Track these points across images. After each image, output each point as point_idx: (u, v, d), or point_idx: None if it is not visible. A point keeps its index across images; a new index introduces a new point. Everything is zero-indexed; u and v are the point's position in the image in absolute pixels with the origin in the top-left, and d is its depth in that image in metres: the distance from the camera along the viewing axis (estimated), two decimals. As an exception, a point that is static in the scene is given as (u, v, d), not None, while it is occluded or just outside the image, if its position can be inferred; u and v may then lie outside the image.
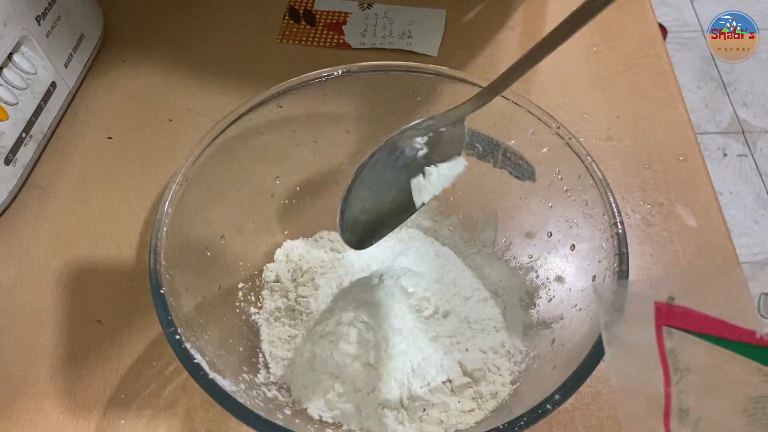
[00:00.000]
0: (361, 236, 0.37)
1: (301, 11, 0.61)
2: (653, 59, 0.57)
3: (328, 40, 0.59)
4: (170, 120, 0.53)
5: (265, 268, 0.42)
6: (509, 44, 0.58)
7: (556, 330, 0.36)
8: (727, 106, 1.46)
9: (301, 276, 0.42)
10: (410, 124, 0.34)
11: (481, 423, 0.34)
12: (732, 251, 0.45)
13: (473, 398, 0.36)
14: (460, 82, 0.39)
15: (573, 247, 0.38)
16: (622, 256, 0.33)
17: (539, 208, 0.40)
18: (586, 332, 0.32)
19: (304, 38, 0.59)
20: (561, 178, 0.38)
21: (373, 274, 0.41)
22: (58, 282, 0.44)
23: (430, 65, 0.40)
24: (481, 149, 0.41)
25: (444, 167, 0.35)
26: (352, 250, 0.43)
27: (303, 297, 0.41)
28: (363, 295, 0.39)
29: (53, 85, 0.50)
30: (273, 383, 0.36)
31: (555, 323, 0.37)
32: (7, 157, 0.46)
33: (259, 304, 0.41)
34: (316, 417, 0.35)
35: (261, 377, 0.36)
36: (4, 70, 0.46)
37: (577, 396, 0.39)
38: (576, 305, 0.36)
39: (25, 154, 0.48)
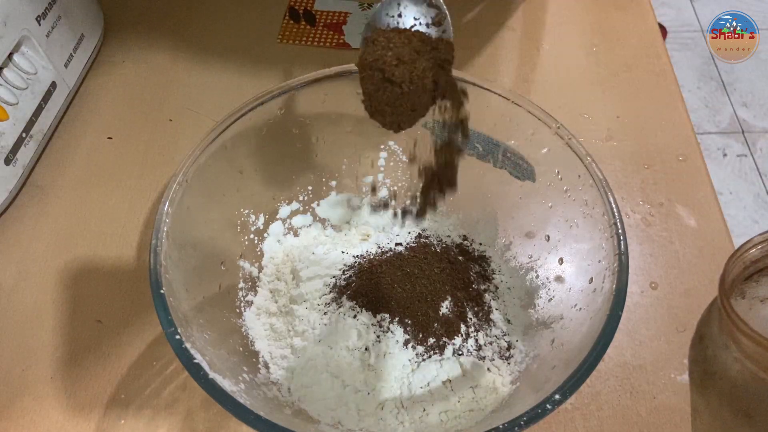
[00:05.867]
0: None
1: (301, 11, 0.61)
2: (653, 59, 0.57)
3: (328, 40, 0.59)
4: (170, 120, 0.53)
5: (264, 267, 0.42)
6: (509, 44, 0.58)
7: (556, 330, 0.36)
8: (726, 106, 1.46)
9: (301, 275, 0.42)
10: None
11: (481, 423, 0.34)
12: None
13: (473, 398, 0.36)
14: (460, 82, 0.39)
15: (572, 247, 0.38)
16: (621, 256, 0.33)
17: (539, 208, 0.40)
18: (586, 332, 0.32)
19: (304, 38, 0.59)
20: (561, 178, 0.38)
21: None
22: (58, 282, 0.44)
23: (430, 65, 0.40)
24: (481, 149, 0.41)
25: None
26: (352, 250, 0.43)
27: (303, 297, 0.41)
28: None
29: (53, 85, 0.50)
30: (273, 383, 0.36)
31: (555, 323, 0.37)
32: (7, 157, 0.46)
33: (258, 304, 0.41)
34: (316, 417, 0.35)
35: (261, 377, 0.36)
36: (4, 70, 0.46)
37: (577, 396, 0.39)
38: (576, 305, 0.36)
39: (25, 154, 0.48)
